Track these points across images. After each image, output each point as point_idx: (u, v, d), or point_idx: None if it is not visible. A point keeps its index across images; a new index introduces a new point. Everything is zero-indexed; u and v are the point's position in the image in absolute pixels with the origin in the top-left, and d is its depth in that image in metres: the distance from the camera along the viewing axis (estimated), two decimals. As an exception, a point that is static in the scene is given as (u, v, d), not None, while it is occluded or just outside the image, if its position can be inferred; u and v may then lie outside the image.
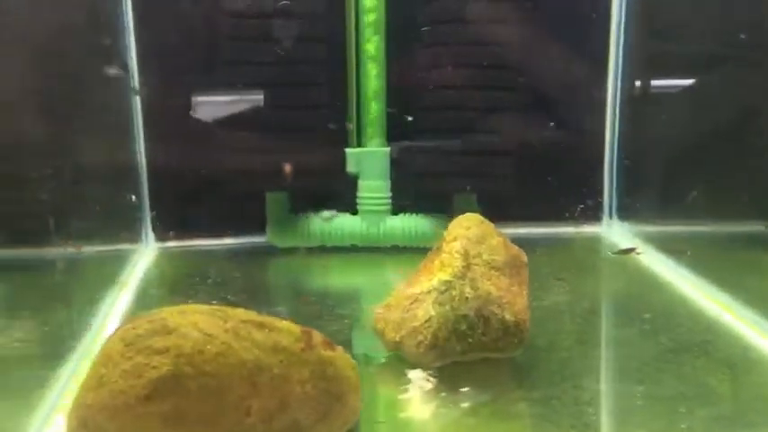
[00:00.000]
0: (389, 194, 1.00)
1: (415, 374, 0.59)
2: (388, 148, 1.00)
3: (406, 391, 0.57)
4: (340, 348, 0.52)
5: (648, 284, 0.88)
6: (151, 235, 1.03)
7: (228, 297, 0.83)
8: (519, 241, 0.71)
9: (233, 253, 1.03)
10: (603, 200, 1.08)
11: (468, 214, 0.65)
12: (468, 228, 0.62)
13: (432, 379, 0.58)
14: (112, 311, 0.79)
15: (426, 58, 0.98)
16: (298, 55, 0.96)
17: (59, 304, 0.77)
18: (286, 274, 1.00)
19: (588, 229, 1.07)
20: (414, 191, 1.01)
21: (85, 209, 0.87)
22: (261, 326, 0.49)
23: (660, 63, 1.02)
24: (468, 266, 0.60)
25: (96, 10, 0.97)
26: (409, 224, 1.01)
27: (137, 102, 1.01)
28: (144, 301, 0.84)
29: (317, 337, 0.51)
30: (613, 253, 0.98)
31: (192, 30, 1.03)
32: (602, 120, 1.07)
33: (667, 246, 0.97)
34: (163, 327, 0.47)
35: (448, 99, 0.98)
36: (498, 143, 0.99)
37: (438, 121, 0.99)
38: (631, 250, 0.97)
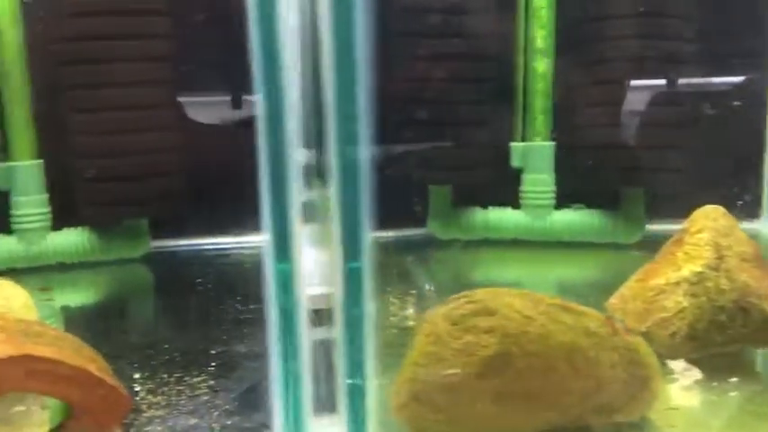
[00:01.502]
0: (554, 188, 1.02)
1: (676, 365, 0.60)
2: (553, 143, 1.02)
3: (675, 380, 0.58)
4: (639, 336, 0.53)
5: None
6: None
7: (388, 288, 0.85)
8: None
9: (391, 244, 1.06)
10: (763, 195, 1.08)
11: (710, 206, 0.65)
12: (714, 219, 0.63)
13: (694, 369, 0.60)
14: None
15: (593, 55, 0.99)
16: (468, 50, 0.99)
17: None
18: (450, 265, 1.02)
19: (747, 226, 1.07)
20: (578, 185, 1.03)
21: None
22: (567, 310, 0.50)
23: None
24: (720, 258, 0.61)
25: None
26: (574, 219, 1.02)
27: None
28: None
29: (617, 322, 0.53)
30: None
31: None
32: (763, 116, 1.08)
33: None
34: (484, 308, 0.48)
35: (611, 94, 1.00)
36: (668, 137, 1.00)
37: (597, 116, 1.00)
38: None
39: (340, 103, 0.26)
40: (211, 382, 0.61)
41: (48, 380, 0.50)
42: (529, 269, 1.00)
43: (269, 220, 0.30)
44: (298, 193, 0.28)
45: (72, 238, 0.99)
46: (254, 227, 1.08)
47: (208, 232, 1.09)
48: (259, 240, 1.05)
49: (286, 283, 0.31)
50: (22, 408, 0.59)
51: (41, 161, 0.97)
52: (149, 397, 0.58)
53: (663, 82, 1.01)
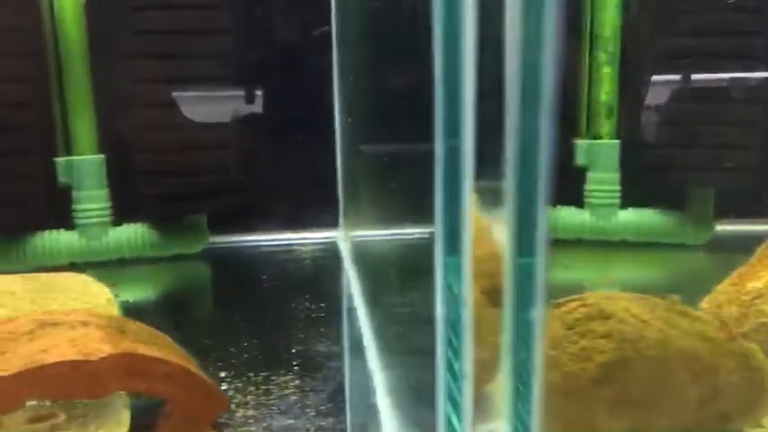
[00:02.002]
0: (619, 187, 1.00)
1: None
2: (618, 141, 1.00)
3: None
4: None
5: None
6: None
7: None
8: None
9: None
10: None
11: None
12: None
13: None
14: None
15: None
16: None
17: None
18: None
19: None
20: (644, 185, 1.00)
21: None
22: (683, 314, 0.48)
23: None
24: (825, 261, 0.59)
25: None
26: (641, 218, 1.00)
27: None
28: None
29: (732, 327, 0.51)
30: None
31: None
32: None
33: None
34: (599, 311, 0.47)
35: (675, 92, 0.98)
36: (739, 135, 0.97)
37: (668, 112, 0.98)
38: None
39: (526, 89, 0.25)
40: (297, 382, 0.60)
41: (148, 378, 0.49)
42: (593, 270, 0.98)
43: (440, 209, 0.28)
44: (470, 181, 0.27)
45: (132, 234, 0.99)
46: (312, 223, 1.10)
47: (267, 228, 1.09)
48: (318, 236, 1.06)
49: (455, 277, 0.30)
50: (110, 406, 0.59)
51: (103, 156, 0.98)
52: (239, 396, 0.57)
53: (726, 79, 0.99)
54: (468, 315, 0.29)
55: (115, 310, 0.65)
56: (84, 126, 0.96)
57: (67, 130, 0.96)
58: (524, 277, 0.28)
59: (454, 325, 0.30)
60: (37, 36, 0.93)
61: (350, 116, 0.99)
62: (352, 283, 0.84)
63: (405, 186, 0.94)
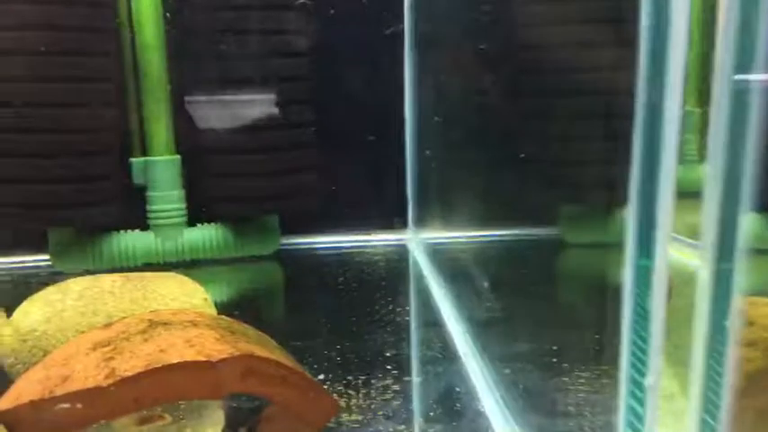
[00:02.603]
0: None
1: None
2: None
3: None
4: None
5: None
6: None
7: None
8: None
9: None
10: None
11: None
12: None
13: None
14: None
15: None
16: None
17: None
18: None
19: None
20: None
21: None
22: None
23: None
24: None
25: None
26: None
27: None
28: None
29: None
30: None
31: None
32: None
33: None
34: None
35: None
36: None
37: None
38: None
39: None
40: (397, 387, 0.58)
41: (264, 380, 0.48)
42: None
43: (635, 205, 0.27)
44: (672, 181, 0.25)
45: (206, 235, 0.99)
46: (381, 225, 1.09)
47: (335, 230, 1.09)
48: (387, 239, 1.05)
49: (644, 283, 0.28)
50: (205, 406, 0.58)
51: (178, 157, 0.99)
52: (341, 401, 0.56)
53: None
54: (656, 325, 0.27)
55: (212, 310, 0.64)
56: (160, 127, 0.96)
57: (144, 131, 0.97)
58: (722, 283, 0.26)
59: (640, 333, 0.28)
60: (115, 36, 0.94)
61: (438, 116, 0.97)
62: (434, 286, 0.82)
63: (512, 187, 0.92)
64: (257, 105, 0.97)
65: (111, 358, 0.46)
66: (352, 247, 1.05)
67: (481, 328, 0.66)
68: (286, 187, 0.99)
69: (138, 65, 0.95)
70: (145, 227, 0.97)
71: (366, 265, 0.98)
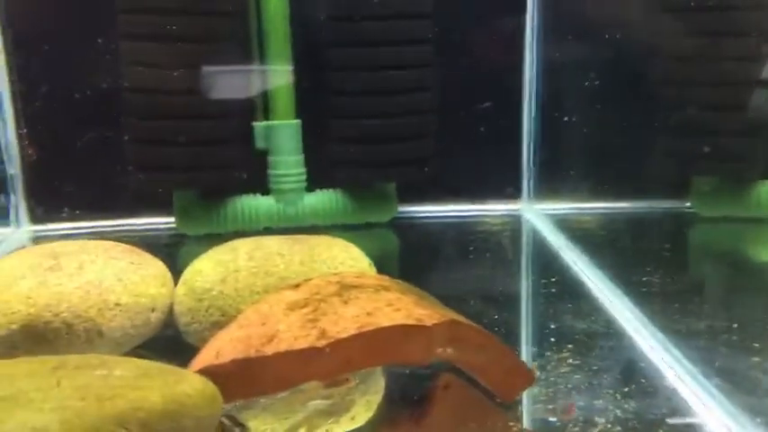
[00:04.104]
0: None
1: None
2: None
3: None
4: None
5: None
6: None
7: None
8: None
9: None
10: None
11: None
12: None
13: None
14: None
15: None
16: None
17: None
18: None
19: None
20: None
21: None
22: None
23: None
24: None
25: None
26: None
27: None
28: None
29: None
30: None
31: None
32: None
33: None
34: None
35: None
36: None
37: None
38: None
39: None
40: (575, 360, 0.57)
41: (464, 347, 0.47)
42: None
43: None
44: None
45: (326, 201, 0.97)
46: (495, 194, 1.07)
47: (450, 199, 1.07)
48: (501, 209, 1.03)
49: None
50: (371, 372, 0.57)
51: (299, 121, 0.98)
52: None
53: None
54: None
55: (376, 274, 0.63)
56: (282, 90, 0.96)
57: (266, 94, 0.97)
58: None
59: None
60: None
61: (569, 83, 0.94)
62: (569, 258, 0.80)
63: (643, 157, 0.88)
64: (379, 68, 0.95)
65: (316, 320, 0.45)
66: (465, 216, 1.03)
67: (645, 304, 0.64)
68: (404, 154, 0.98)
69: (262, 26, 0.95)
70: (265, 191, 0.98)
71: (484, 235, 0.95)
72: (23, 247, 0.99)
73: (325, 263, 0.58)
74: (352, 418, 0.51)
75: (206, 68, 0.92)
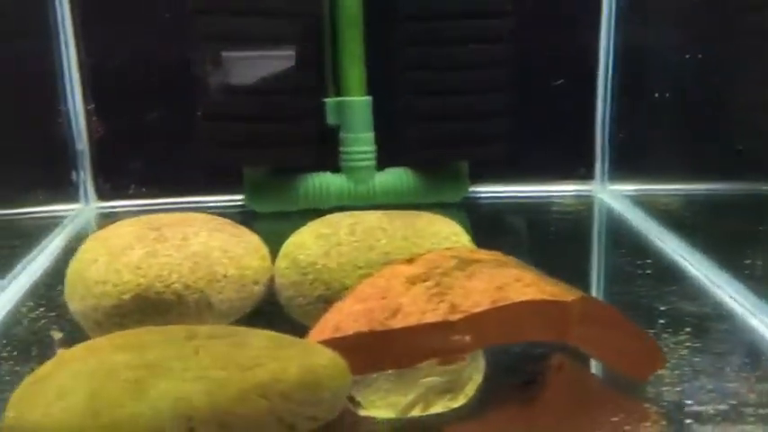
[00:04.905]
0: None
1: None
2: None
3: None
4: None
5: None
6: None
7: None
8: None
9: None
10: None
11: None
12: None
13: None
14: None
15: None
16: None
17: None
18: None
19: None
20: None
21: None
22: None
23: None
24: None
25: None
26: None
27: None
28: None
29: None
30: None
31: None
32: None
33: None
34: None
35: None
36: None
37: None
38: None
39: None
40: (697, 344, 0.54)
41: (599, 325, 0.46)
42: None
43: None
44: None
45: (397, 179, 0.95)
46: (567, 174, 1.04)
47: (521, 179, 1.04)
48: (576, 188, 1.00)
49: None
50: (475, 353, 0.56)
51: (370, 98, 0.95)
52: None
53: None
54: None
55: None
56: (354, 66, 0.94)
57: (338, 70, 0.95)
58: None
59: None
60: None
61: (652, 60, 0.90)
62: (657, 239, 0.77)
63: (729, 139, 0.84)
64: (454, 44, 0.93)
65: (443, 293, 0.44)
66: (536, 196, 1.01)
67: (755, 286, 0.61)
68: (477, 133, 0.96)
69: (336, 2, 0.93)
70: (335, 169, 0.97)
71: (559, 215, 0.93)
72: (94, 223, 1.00)
73: (428, 238, 0.57)
74: (465, 397, 0.50)
75: (279, 44, 0.92)
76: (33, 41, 0.95)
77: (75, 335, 0.54)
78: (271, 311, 0.57)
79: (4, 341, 0.56)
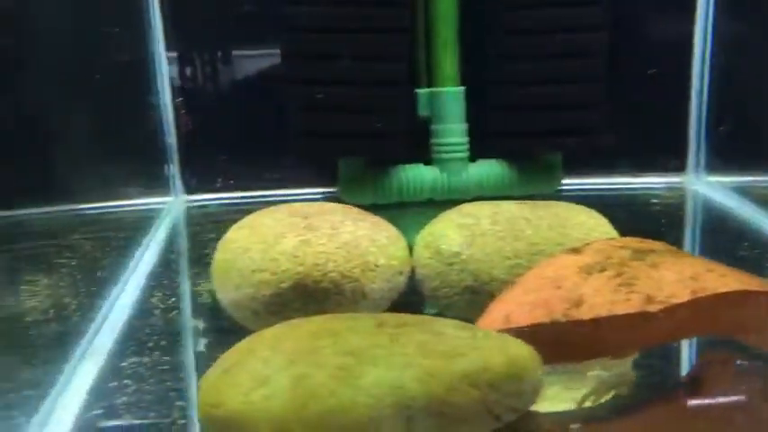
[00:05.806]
0: None
1: None
2: None
3: None
4: None
5: None
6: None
7: None
8: None
9: None
10: None
11: None
12: None
13: None
14: None
15: None
16: None
17: None
18: None
19: None
20: None
21: None
22: None
23: None
24: None
25: None
26: None
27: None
28: None
29: None
30: None
31: None
32: None
33: None
34: None
35: None
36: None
37: None
38: None
39: None
40: None
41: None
42: None
43: None
44: None
45: (490, 171, 0.93)
46: (657, 166, 1.02)
47: (613, 170, 1.02)
48: (667, 181, 0.98)
49: None
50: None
51: (463, 88, 0.94)
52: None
53: None
54: None
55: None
56: (447, 56, 0.92)
57: (430, 60, 0.94)
58: None
59: None
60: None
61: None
62: None
63: None
64: (548, 33, 0.91)
65: (630, 284, 0.42)
66: (629, 189, 0.99)
67: None
68: (571, 123, 0.94)
69: (429, -10, 0.91)
70: (427, 161, 0.96)
71: (659, 207, 0.91)
72: (186, 216, 0.99)
73: (575, 229, 0.55)
74: (630, 393, 0.48)
75: (371, 33, 0.91)
76: (125, 33, 0.96)
77: (215, 324, 0.54)
78: (412, 302, 0.56)
79: (148, 331, 0.57)
